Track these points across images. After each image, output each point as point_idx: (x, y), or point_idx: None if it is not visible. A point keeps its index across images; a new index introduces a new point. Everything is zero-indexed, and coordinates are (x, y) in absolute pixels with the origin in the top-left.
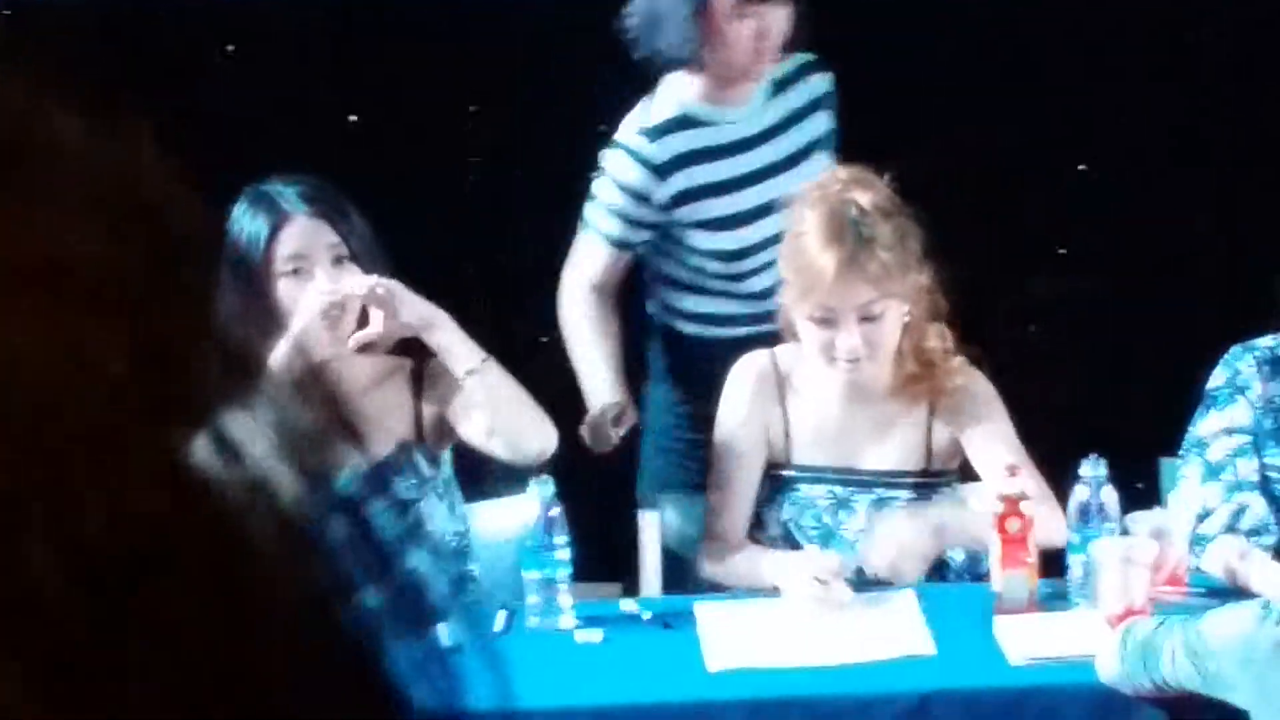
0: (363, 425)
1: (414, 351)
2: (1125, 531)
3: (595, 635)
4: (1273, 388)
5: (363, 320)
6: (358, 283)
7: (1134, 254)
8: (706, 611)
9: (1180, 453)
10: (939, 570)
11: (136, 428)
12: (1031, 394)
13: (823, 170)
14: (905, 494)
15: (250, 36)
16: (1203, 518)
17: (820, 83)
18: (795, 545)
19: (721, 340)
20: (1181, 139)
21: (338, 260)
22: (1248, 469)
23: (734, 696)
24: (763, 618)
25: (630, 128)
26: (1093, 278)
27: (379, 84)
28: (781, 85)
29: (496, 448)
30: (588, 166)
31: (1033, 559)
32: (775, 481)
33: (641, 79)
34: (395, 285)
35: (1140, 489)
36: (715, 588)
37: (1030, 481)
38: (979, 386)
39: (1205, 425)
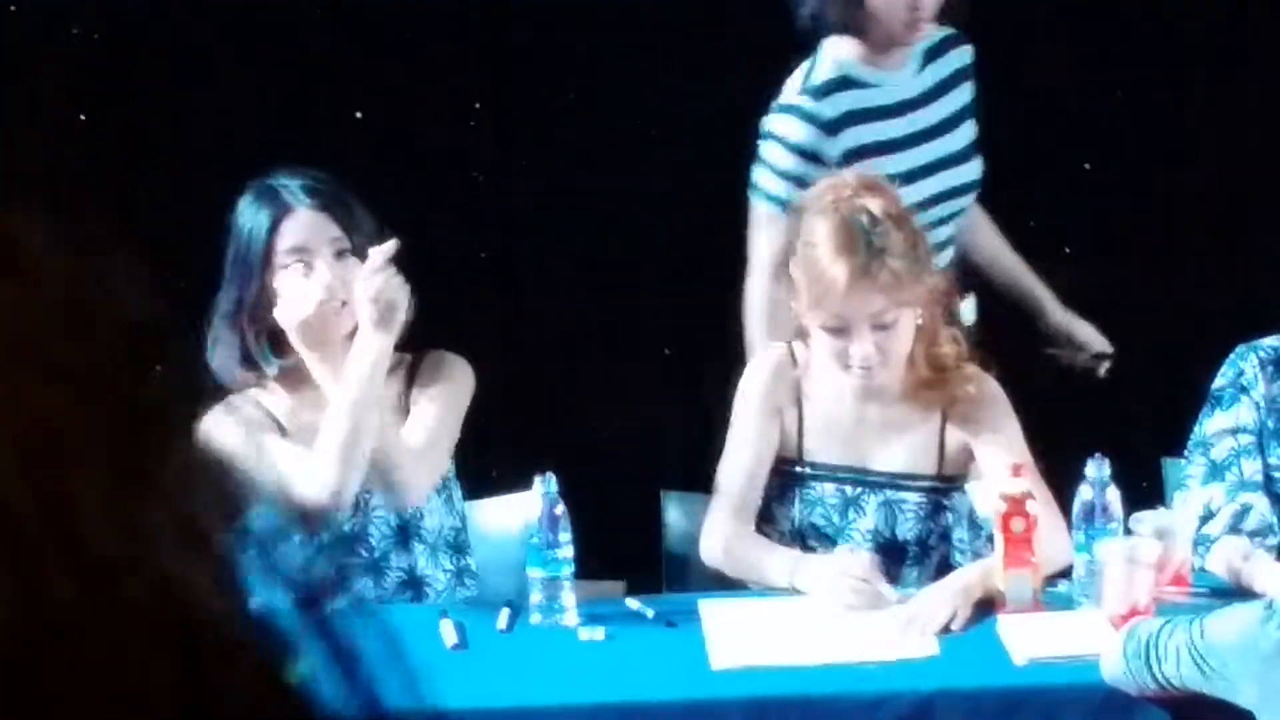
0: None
1: (412, 346)
2: (1129, 531)
3: (599, 633)
4: (1277, 387)
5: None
6: (363, 287)
7: (1139, 253)
8: (711, 610)
9: (1184, 453)
10: (943, 572)
11: (51, 516)
12: (1035, 394)
13: (971, 137)
14: (916, 497)
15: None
16: (1206, 518)
17: (964, 54)
18: (805, 542)
19: None
20: (1187, 137)
21: (340, 254)
22: (1251, 469)
23: (738, 695)
24: (767, 617)
25: (792, 90)
26: (1097, 277)
27: (386, 83)
28: (930, 55)
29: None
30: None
31: (1036, 559)
32: (786, 478)
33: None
34: (399, 296)
35: (1144, 489)
36: (720, 585)
37: (1039, 501)
38: (991, 393)
39: (1209, 425)
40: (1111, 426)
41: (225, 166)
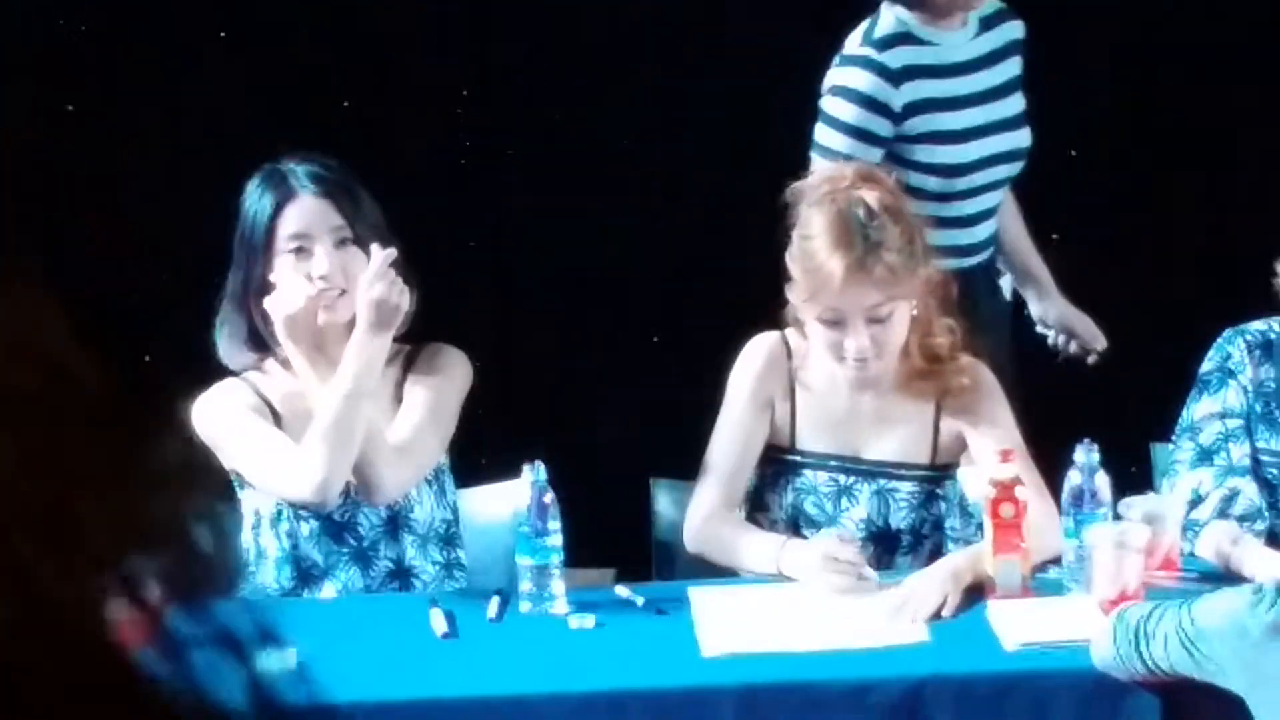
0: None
1: (410, 337)
2: (1118, 517)
3: (589, 621)
4: (1264, 371)
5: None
6: (364, 292)
7: (1126, 239)
8: (701, 597)
9: (1172, 437)
10: (934, 557)
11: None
12: (1024, 379)
13: (1021, 107)
14: (909, 486)
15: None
16: (1195, 502)
17: (1016, 28)
18: (798, 530)
19: None
20: (1172, 123)
21: (341, 242)
22: (1239, 453)
23: (728, 682)
24: (757, 604)
25: (854, 43)
26: (1085, 263)
27: (374, 71)
28: (986, 24)
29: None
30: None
31: (1026, 544)
32: (779, 466)
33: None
34: (400, 301)
35: (1133, 474)
36: (710, 573)
37: (1031, 489)
38: (986, 384)
39: (1197, 410)
40: (1100, 412)
41: (214, 156)
